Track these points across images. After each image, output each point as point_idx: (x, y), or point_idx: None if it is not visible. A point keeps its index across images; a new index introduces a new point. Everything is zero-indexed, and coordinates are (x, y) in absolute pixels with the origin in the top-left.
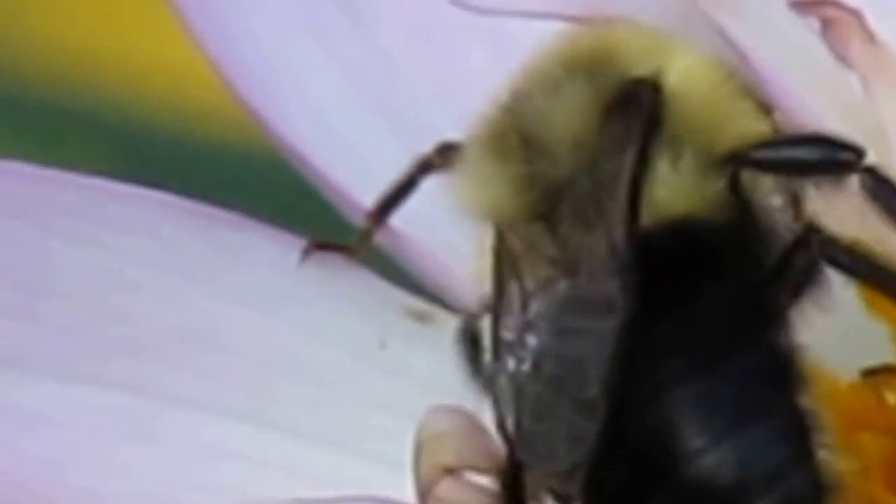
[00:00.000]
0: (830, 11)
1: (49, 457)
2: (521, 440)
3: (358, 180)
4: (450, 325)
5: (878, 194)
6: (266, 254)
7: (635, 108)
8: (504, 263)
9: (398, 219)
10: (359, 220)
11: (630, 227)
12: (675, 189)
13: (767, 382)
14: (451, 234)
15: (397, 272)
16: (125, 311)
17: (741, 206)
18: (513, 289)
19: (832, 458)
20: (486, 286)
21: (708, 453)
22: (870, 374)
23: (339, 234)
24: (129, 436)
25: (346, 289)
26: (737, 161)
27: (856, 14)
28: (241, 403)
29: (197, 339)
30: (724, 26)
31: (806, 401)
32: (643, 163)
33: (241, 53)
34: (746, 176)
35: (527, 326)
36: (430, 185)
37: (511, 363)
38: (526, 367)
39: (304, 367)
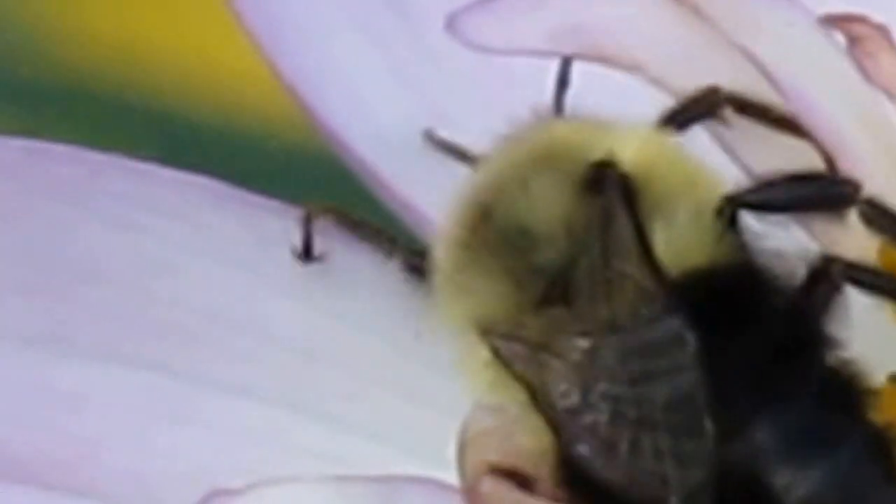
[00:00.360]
0: (857, 28)
1: (89, 437)
2: (627, 481)
3: (402, 174)
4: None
5: (881, 223)
6: None
7: (606, 187)
8: (522, 360)
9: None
10: (403, 216)
11: (658, 275)
12: (680, 245)
13: (834, 405)
14: None
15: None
16: (165, 295)
17: (747, 243)
18: (554, 369)
19: None
20: (490, 397)
21: (800, 487)
22: None
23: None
24: (167, 417)
25: (381, 278)
26: (735, 205)
27: (883, 30)
28: (278, 388)
29: (235, 323)
30: (749, 50)
31: (875, 415)
32: (638, 226)
33: (294, 51)
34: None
35: (588, 386)
36: None
37: (586, 420)
38: (604, 419)
39: (340, 354)
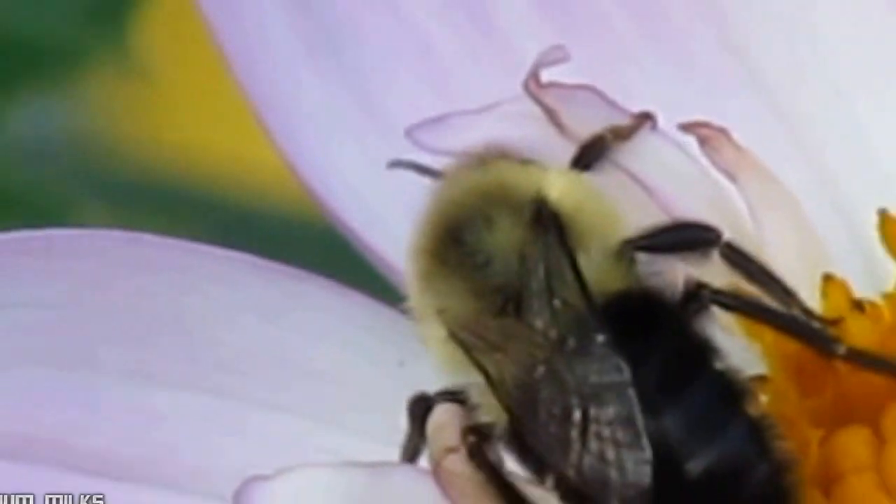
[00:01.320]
0: (705, 130)
1: (170, 443)
2: (576, 476)
3: (385, 242)
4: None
5: (736, 262)
6: (319, 299)
7: (545, 222)
8: (481, 353)
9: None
10: (389, 276)
11: (590, 302)
12: (597, 274)
13: (721, 401)
14: None
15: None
16: (221, 340)
17: (642, 275)
18: (509, 370)
19: (785, 445)
20: (451, 372)
21: (700, 462)
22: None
23: (374, 285)
24: (224, 428)
25: (375, 322)
26: (631, 246)
27: (723, 130)
28: (306, 406)
29: (271, 359)
30: (620, 159)
31: (753, 408)
32: (571, 259)
33: (304, 153)
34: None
35: (539, 392)
36: None
37: (540, 418)
38: (556, 423)
39: (346, 378)
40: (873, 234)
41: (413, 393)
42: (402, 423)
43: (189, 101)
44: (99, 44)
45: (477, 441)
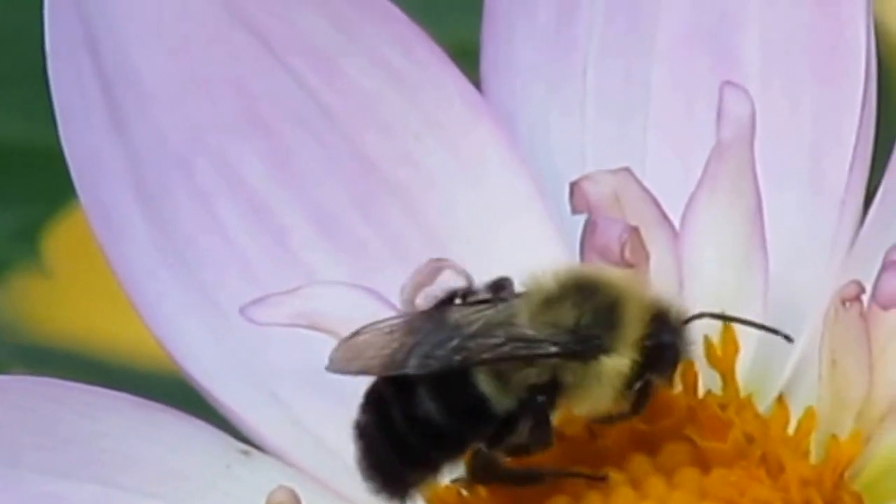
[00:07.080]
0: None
1: None
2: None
3: (221, 393)
4: (258, 457)
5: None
6: (175, 422)
7: (584, 353)
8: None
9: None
10: (222, 412)
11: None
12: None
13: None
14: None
15: (234, 428)
16: (105, 448)
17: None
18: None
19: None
20: None
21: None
22: None
23: (214, 417)
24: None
25: (209, 437)
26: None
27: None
28: (164, 492)
29: (139, 460)
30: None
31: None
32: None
33: (163, 329)
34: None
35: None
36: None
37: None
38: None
39: (193, 474)
40: None
41: (240, 485)
42: None
43: (84, 293)
44: (20, 255)
45: None
